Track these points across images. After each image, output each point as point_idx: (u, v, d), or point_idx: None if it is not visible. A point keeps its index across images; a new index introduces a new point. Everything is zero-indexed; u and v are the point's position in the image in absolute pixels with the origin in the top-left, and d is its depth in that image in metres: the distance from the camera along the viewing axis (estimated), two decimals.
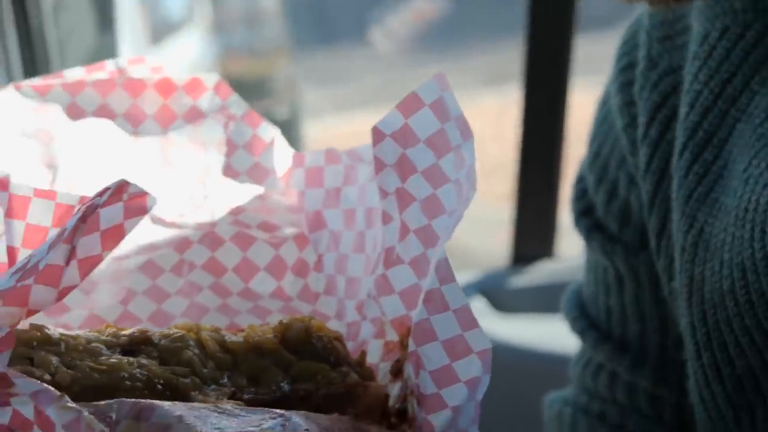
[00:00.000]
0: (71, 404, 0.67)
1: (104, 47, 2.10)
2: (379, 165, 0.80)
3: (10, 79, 1.95)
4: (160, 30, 2.32)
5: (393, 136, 0.79)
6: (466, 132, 0.79)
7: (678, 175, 1.04)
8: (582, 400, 1.22)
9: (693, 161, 1.04)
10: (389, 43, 8.83)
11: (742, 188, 0.99)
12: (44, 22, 2.07)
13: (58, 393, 0.67)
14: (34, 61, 2.05)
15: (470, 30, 9.01)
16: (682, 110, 1.07)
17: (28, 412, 0.67)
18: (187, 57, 2.27)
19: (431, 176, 0.79)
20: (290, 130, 2.13)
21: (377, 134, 0.79)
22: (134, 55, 2.16)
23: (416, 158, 0.79)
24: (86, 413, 0.66)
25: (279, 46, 2.26)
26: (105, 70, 0.89)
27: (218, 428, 0.69)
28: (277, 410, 0.72)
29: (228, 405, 0.73)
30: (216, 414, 0.70)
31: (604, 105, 1.20)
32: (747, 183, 0.98)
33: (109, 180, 0.72)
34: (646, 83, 1.12)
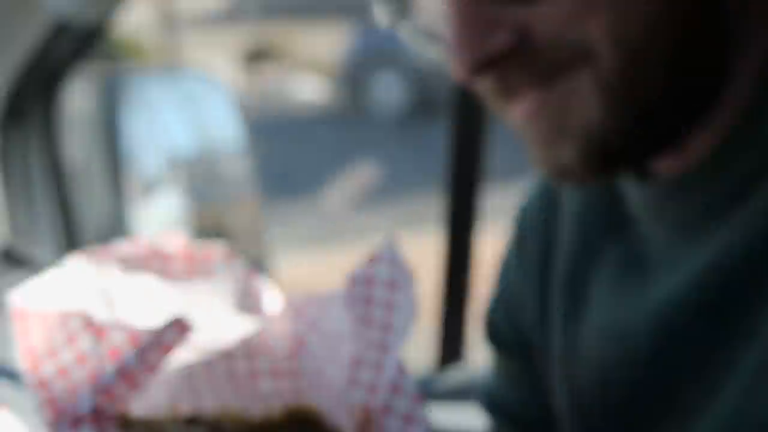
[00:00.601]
0: None
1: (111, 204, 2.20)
2: (350, 301, 0.91)
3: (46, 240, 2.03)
4: (147, 187, 2.34)
5: (364, 283, 0.92)
6: (408, 276, 0.92)
7: (557, 299, 1.13)
8: None
9: (567, 292, 1.12)
10: (337, 198, 9.08)
11: (598, 321, 1.08)
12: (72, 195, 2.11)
13: None
14: (64, 205, 2.06)
15: (398, 187, 9.54)
16: (559, 258, 1.14)
17: None
18: (168, 209, 2.38)
19: (388, 308, 0.91)
20: (262, 264, 2.25)
21: (350, 282, 0.92)
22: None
23: (377, 296, 0.91)
24: None
25: (247, 198, 2.32)
26: (142, 243, 1.01)
27: None
28: None
29: None
30: None
31: (506, 252, 1.25)
32: (601, 320, 1.08)
33: (160, 317, 0.90)
34: (532, 237, 1.19)
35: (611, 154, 0.93)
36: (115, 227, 2.17)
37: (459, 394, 2.10)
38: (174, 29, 19.44)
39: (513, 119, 0.96)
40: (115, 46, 17.09)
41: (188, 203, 2.50)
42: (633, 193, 1.05)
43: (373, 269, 0.92)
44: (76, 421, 0.84)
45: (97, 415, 0.84)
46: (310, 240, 8.37)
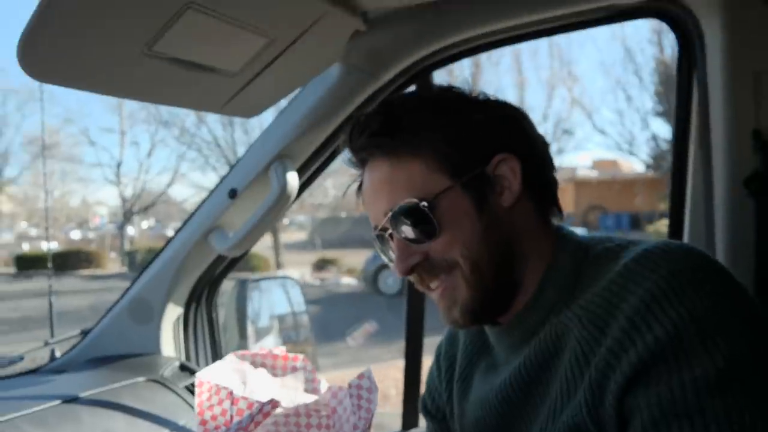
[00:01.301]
0: None
1: (241, 344, 2.23)
2: (351, 397, 0.93)
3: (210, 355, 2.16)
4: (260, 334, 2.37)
5: (356, 388, 0.94)
6: (376, 387, 0.95)
7: (456, 388, 1.18)
8: None
9: (461, 384, 1.17)
10: (353, 341, 9.00)
11: (474, 398, 1.13)
12: (220, 334, 2.15)
13: None
14: (214, 345, 2.12)
15: (389, 336, 9.14)
16: (457, 366, 1.20)
17: None
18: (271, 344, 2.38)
19: (367, 401, 0.93)
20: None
21: (349, 386, 0.94)
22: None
23: (363, 395, 0.93)
24: None
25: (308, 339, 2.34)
26: (265, 351, 1.03)
27: None
28: None
29: None
30: None
31: (432, 364, 1.29)
32: (475, 397, 1.12)
33: (264, 391, 0.97)
34: (444, 356, 1.25)
35: (476, 314, 1.02)
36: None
37: None
38: (277, 252, 19.52)
39: (433, 298, 1.06)
40: (250, 258, 17.23)
41: (279, 341, 2.49)
42: (490, 332, 1.11)
43: (360, 381, 0.97)
44: None
45: None
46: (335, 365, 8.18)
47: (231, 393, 0.99)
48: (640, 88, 23.38)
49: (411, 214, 0.99)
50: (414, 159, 1.00)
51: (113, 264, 23.27)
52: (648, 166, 20.43)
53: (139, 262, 21.11)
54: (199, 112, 22.27)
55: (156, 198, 24.52)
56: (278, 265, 18.89)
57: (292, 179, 1.72)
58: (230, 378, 1.03)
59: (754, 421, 0.77)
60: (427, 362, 1.51)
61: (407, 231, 1.00)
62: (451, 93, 1.06)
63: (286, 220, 24.43)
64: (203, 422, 0.98)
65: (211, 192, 1.84)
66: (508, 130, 1.04)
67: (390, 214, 1.00)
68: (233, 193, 1.76)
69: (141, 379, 1.75)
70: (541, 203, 1.06)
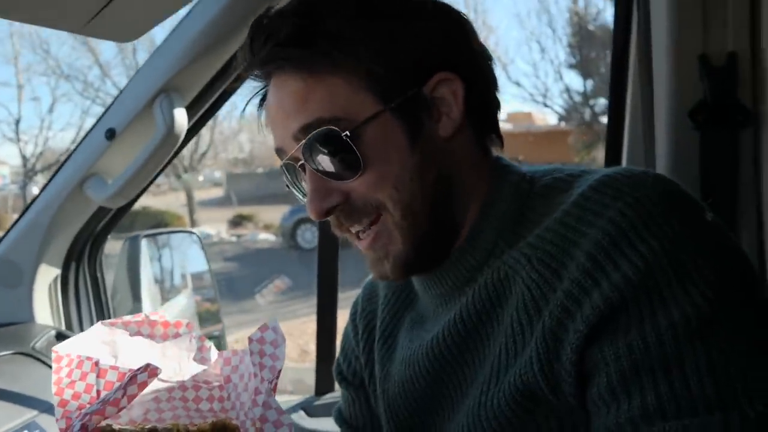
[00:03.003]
0: None
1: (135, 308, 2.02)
2: (252, 354, 0.81)
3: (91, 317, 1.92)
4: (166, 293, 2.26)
5: (257, 342, 0.81)
6: (283, 339, 0.81)
7: (378, 349, 1.06)
8: None
9: (383, 344, 1.05)
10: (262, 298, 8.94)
11: (399, 357, 1.01)
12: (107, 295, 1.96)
13: None
14: (101, 310, 1.92)
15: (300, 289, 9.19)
16: (377, 324, 1.08)
17: None
18: (180, 306, 2.24)
19: (272, 357, 0.81)
20: (220, 340, 2.12)
21: (249, 341, 0.81)
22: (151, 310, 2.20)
23: (266, 350, 0.81)
24: None
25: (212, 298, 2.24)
26: (141, 317, 0.90)
27: None
28: None
29: None
30: None
31: (347, 325, 1.17)
32: (401, 357, 1.01)
33: (141, 363, 0.79)
34: (361, 315, 1.12)
35: (412, 266, 0.89)
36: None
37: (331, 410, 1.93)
38: (191, 208, 19.20)
39: (362, 250, 0.91)
40: (162, 216, 16.82)
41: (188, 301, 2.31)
42: (416, 280, 0.99)
43: (263, 333, 0.81)
44: None
45: (83, 429, 0.75)
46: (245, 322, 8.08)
47: (96, 364, 0.85)
48: (554, 39, 23.69)
49: (329, 143, 0.82)
50: (334, 75, 0.82)
51: None
52: (561, 118, 20.83)
53: None
54: (103, 64, 21.47)
55: (60, 155, 23.45)
56: (192, 223, 18.49)
57: (180, 116, 1.50)
58: (98, 350, 0.87)
59: (741, 373, 0.67)
60: (342, 319, 1.39)
61: (324, 163, 0.83)
62: None
63: (200, 177, 23.90)
64: (62, 402, 0.82)
65: (87, 134, 1.60)
66: (452, 43, 0.87)
67: (303, 142, 0.83)
68: (111, 134, 1.53)
69: (7, 352, 1.51)
70: (481, 130, 0.91)
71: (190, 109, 1.55)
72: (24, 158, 22.95)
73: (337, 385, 2.05)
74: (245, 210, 19.41)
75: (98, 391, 0.84)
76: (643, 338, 0.69)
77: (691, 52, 1.44)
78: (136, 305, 2.01)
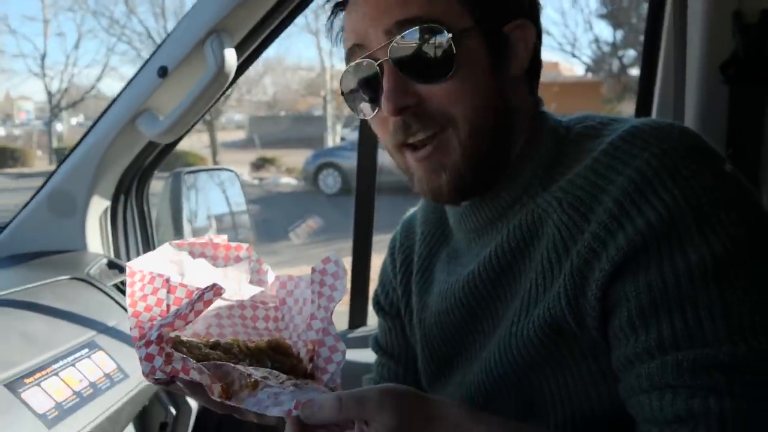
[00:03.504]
0: (195, 363, 0.79)
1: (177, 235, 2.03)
2: (312, 281, 0.87)
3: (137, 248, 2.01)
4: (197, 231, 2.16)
5: (319, 273, 0.87)
6: (344, 271, 0.87)
7: (415, 281, 1.11)
8: (376, 377, 1.22)
9: (420, 277, 1.10)
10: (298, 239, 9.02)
11: (437, 290, 1.06)
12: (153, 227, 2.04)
13: (186, 357, 0.78)
14: (147, 240, 2.00)
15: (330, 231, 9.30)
16: (415, 259, 1.13)
17: (178, 366, 0.78)
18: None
19: (331, 288, 0.87)
20: None
21: (312, 271, 0.88)
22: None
23: (326, 280, 0.87)
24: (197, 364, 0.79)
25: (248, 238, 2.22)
26: (205, 239, 0.96)
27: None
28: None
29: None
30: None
31: (385, 258, 1.23)
32: (438, 289, 1.06)
33: (206, 282, 0.86)
34: (399, 249, 1.17)
35: (465, 184, 0.91)
36: None
37: (363, 343, 1.97)
38: (214, 150, 19.23)
39: (409, 165, 0.94)
40: (185, 157, 16.91)
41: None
42: (451, 214, 1.03)
43: (325, 265, 0.88)
44: (148, 342, 0.80)
45: (159, 338, 0.80)
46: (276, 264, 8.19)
47: (167, 280, 0.90)
48: None
49: (429, 41, 0.85)
50: None
51: (41, 162, 22.49)
52: (589, 69, 20.47)
53: None
54: (129, 2, 21.32)
55: (85, 93, 23.47)
56: (216, 165, 18.55)
57: (230, 56, 1.55)
58: (166, 268, 0.93)
59: (751, 313, 0.72)
60: (375, 259, 1.42)
61: (416, 61, 0.86)
62: None
63: (223, 118, 23.87)
64: (135, 314, 0.88)
65: (139, 71, 1.65)
66: None
67: (398, 36, 0.85)
68: (163, 72, 1.58)
69: (64, 277, 1.60)
70: (533, 78, 0.97)
71: (239, 49, 1.59)
72: (49, 94, 22.98)
73: (369, 319, 2.16)
74: (268, 153, 19.44)
75: (168, 305, 0.90)
76: (662, 278, 0.75)
77: (726, 8, 1.48)
78: (177, 239, 2.07)
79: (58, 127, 24.89)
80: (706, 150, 0.80)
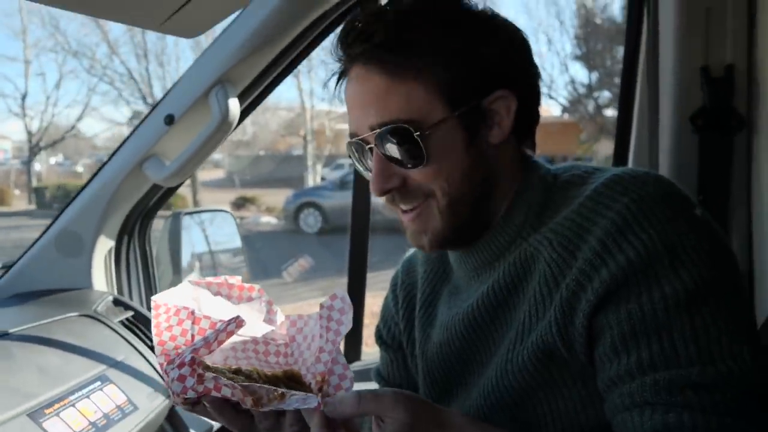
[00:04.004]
0: (226, 381, 0.85)
1: (175, 279, 2.14)
2: (322, 315, 0.91)
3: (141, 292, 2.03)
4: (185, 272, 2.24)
5: (327, 308, 0.91)
6: (350, 308, 0.91)
7: (419, 316, 1.18)
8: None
9: (424, 312, 1.17)
10: (290, 277, 9.03)
11: (439, 322, 1.13)
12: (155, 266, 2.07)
13: (217, 376, 0.85)
14: (148, 279, 2.03)
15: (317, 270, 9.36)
16: (418, 295, 1.20)
17: (210, 385, 0.85)
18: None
19: (338, 322, 0.90)
20: None
21: (320, 307, 0.92)
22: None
23: (333, 316, 0.90)
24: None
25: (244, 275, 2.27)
26: (220, 279, 1.02)
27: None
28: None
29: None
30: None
31: (387, 295, 1.29)
32: (440, 322, 1.13)
33: (227, 316, 0.94)
34: (401, 287, 1.25)
35: (447, 241, 1.01)
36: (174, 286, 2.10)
37: (358, 377, 2.01)
38: (195, 189, 19.19)
39: (402, 221, 1.02)
40: None
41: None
42: (452, 255, 1.11)
43: (332, 301, 0.92)
44: (182, 364, 0.86)
45: (192, 361, 0.87)
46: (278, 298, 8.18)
47: (193, 312, 0.97)
48: (561, 31, 23.61)
49: (401, 138, 0.95)
50: (414, 81, 0.95)
51: (19, 201, 22.28)
52: (565, 110, 20.81)
53: (48, 199, 20.27)
54: (112, 43, 21.43)
55: (65, 132, 23.39)
56: (195, 203, 18.54)
57: (234, 105, 1.65)
58: (188, 303, 1.00)
59: (718, 337, 0.82)
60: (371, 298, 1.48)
61: (392, 152, 0.97)
62: (462, 11, 0.99)
63: None
64: (161, 342, 0.96)
65: (145, 117, 1.75)
66: (513, 64, 1.00)
67: (378, 131, 0.96)
68: (170, 120, 1.67)
69: (73, 314, 1.67)
70: (523, 138, 1.05)
71: (241, 97, 1.69)
72: (29, 133, 22.86)
73: (363, 355, 2.22)
74: (248, 192, 19.45)
75: (192, 335, 0.97)
76: (641, 307, 0.84)
77: (694, 63, 1.61)
78: (175, 277, 2.15)
79: (37, 166, 24.76)
80: (679, 195, 0.91)
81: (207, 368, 0.89)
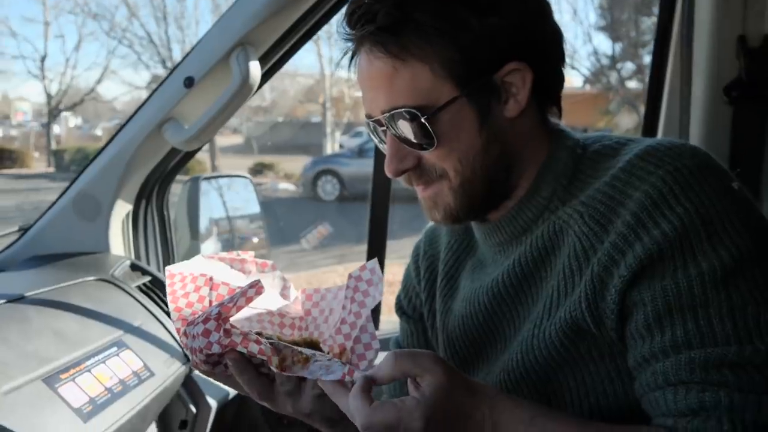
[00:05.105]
0: (254, 336, 0.87)
1: (193, 245, 2.12)
2: (348, 289, 0.91)
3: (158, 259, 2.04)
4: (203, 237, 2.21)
5: (354, 279, 0.92)
6: (380, 280, 0.92)
7: (440, 287, 1.17)
8: None
9: (446, 284, 1.16)
10: (308, 244, 9.06)
11: (461, 295, 1.12)
12: (172, 231, 2.07)
13: (246, 332, 0.86)
14: (166, 244, 2.03)
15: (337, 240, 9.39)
16: (440, 267, 1.19)
17: (237, 339, 0.86)
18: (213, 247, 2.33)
19: (365, 294, 0.91)
20: None
21: (348, 278, 0.92)
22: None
23: (360, 287, 0.91)
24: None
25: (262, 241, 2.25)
26: (233, 254, 1.03)
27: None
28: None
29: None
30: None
31: (408, 265, 1.28)
32: (463, 295, 1.12)
33: (243, 284, 0.95)
34: (424, 257, 1.23)
35: (459, 218, 1.02)
36: (191, 251, 2.08)
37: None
38: (213, 155, 19.22)
39: (419, 196, 1.03)
40: None
41: (233, 242, 2.43)
42: (476, 229, 1.09)
43: (361, 272, 0.93)
44: (207, 319, 0.86)
45: (219, 315, 0.86)
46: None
47: (211, 279, 0.98)
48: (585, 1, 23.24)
49: (410, 121, 0.94)
50: (419, 62, 0.93)
51: (38, 164, 22.43)
52: (587, 81, 20.59)
53: (67, 162, 20.38)
54: (131, 6, 21.37)
55: (84, 95, 23.44)
56: (213, 169, 18.55)
57: (255, 68, 1.62)
58: (204, 271, 1.00)
59: (756, 315, 0.80)
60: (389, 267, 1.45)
61: (404, 134, 0.96)
62: None
63: None
64: (177, 309, 0.96)
65: (164, 80, 1.72)
66: (525, 34, 0.96)
67: (387, 114, 0.95)
68: (190, 82, 1.64)
69: (90, 278, 1.66)
70: (544, 106, 1.02)
71: (262, 60, 1.66)
72: (48, 96, 22.95)
73: (381, 324, 2.20)
74: (266, 159, 19.45)
75: (210, 301, 0.97)
76: (676, 284, 0.82)
77: (731, 32, 1.56)
78: (193, 242, 2.14)
79: (56, 128, 24.87)
80: (716, 168, 0.88)
81: (232, 326, 0.89)
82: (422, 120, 0.93)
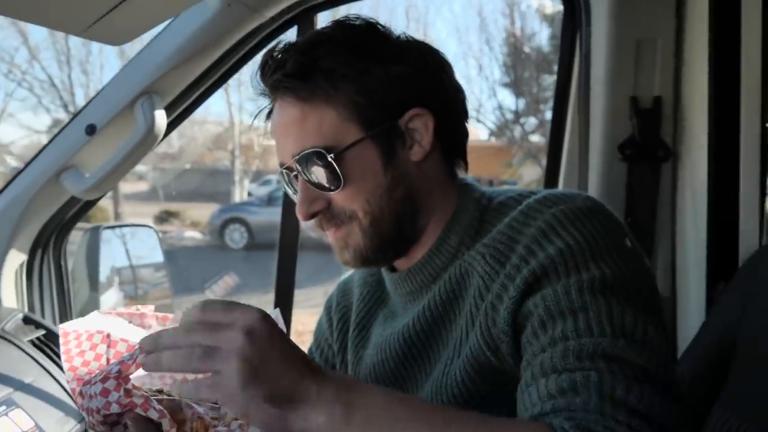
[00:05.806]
0: (156, 403, 0.83)
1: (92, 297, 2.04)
2: None
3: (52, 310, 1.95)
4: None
5: None
6: (283, 326, 0.89)
7: (352, 338, 1.18)
8: None
9: (357, 334, 1.18)
10: (212, 294, 8.83)
11: (373, 343, 1.14)
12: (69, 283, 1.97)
13: (147, 395, 0.83)
14: (62, 295, 1.94)
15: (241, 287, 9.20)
16: (352, 317, 1.20)
17: (138, 401, 0.82)
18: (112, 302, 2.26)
19: None
20: None
21: None
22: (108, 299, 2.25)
23: None
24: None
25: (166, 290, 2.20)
26: (132, 309, 1.01)
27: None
28: None
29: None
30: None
31: (321, 317, 1.30)
32: (374, 343, 1.13)
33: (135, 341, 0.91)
34: (336, 309, 1.25)
35: (369, 260, 1.04)
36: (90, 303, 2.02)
37: None
38: (116, 201, 18.65)
39: (330, 240, 1.06)
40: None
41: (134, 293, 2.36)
42: (387, 280, 1.11)
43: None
44: (106, 378, 0.82)
45: (119, 374, 0.82)
46: None
47: (108, 336, 0.94)
48: (490, 57, 24.04)
49: (318, 163, 0.98)
50: (326, 105, 0.98)
51: None
52: (492, 134, 21.18)
53: None
54: (31, 46, 20.73)
55: None
56: (117, 216, 17.97)
57: (161, 117, 1.60)
58: (101, 328, 0.96)
59: (633, 323, 0.84)
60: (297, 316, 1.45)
61: (313, 177, 1.00)
62: (371, 35, 1.02)
63: None
64: (72, 368, 0.91)
65: (65, 126, 1.67)
66: (427, 83, 1.02)
67: (298, 157, 0.99)
68: (92, 130, 1.61)
69: None
70: (449, 155, 1.07)
71: (168, 109, 1.64)
72: None
73: None
74: (172, 206, 19.03)
75: (108, 359, 0.93)
76: (555, 292, 0.86)
77: (624, 94, 1.65)
78: (92, 295, 2.05)
79: None
80: (606, 212, 0.95)
81: (134, 387, 0.85)
82: (329, 159, 0.96)
